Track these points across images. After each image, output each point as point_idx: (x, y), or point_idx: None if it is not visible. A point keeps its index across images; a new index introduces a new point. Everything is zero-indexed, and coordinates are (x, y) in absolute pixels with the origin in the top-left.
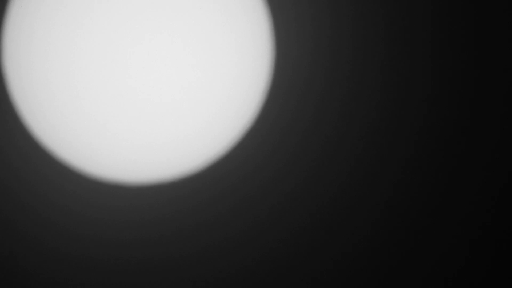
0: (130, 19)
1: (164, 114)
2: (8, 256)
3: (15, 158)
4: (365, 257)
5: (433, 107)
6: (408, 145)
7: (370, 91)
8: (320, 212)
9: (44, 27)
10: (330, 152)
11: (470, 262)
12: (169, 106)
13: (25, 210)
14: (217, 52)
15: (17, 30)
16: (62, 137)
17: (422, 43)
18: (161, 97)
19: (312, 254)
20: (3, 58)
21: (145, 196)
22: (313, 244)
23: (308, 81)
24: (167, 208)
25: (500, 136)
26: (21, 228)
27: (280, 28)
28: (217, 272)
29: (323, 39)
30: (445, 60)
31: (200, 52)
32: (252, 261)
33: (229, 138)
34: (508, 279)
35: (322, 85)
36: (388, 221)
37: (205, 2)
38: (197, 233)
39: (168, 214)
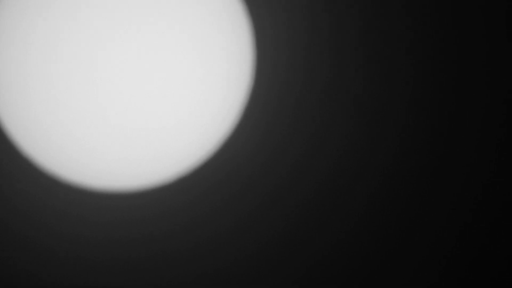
0: (108, 24)
1: (145, 119)
2: None
3: None
4: (350, 254)
5: (414, 105)
6: (391, 143)
7: (349, 91)
8: (304, 209)
9: (24, 32)
10: (312, 151)
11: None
12: (150, 110)
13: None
14: (197, 55)
15: None
16: (44, 146)
17: (400, 44)
18: (141, 102)
19: (297, 252)
20: None
21: (128, 203)
22: (296, 242)
23: (288, 83)
24: (152, 213)
25: (485, 133)
26: None
27: (261, 30)
28: (205, 270)
29: (304, 40)
30: (424, 58)
31: (180, 55)
32: (238, 260)
33: (211, 141)
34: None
35: (303, 85)
36: (372, 220)
37: (185, 4)
38: (183, 234)
39: (152, 219)
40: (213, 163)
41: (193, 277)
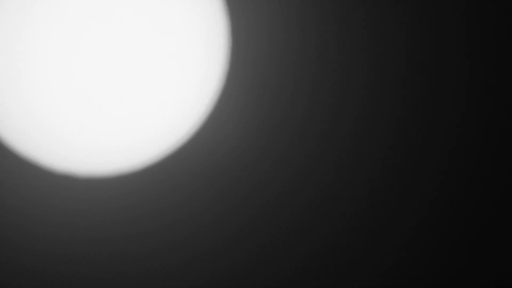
0: (83, 14)
1: (118, 108)
2: None
3: None
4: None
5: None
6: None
7: (326, 83)
8: (278, 196)
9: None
10: (288, 140)
11: None
12: (123, 100)
13: None
14: (171, 46)
15: None
16: (20, 132)
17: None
18: (116, 91)
19: (267, 233)
20: None
21: (103, 188)
22: (272, 228)
23: (264, 73)
24: (119, 200)
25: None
26: None
27: (237, 19)
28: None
29: (279, 37)
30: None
31: (156, 45)
32: (211, 247)
33: (181, 133)
34: None
35: (279, 76)
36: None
37: None
38: (151, 227)
39: (119, 206)
40: (186, 150)
41: (173, 267)
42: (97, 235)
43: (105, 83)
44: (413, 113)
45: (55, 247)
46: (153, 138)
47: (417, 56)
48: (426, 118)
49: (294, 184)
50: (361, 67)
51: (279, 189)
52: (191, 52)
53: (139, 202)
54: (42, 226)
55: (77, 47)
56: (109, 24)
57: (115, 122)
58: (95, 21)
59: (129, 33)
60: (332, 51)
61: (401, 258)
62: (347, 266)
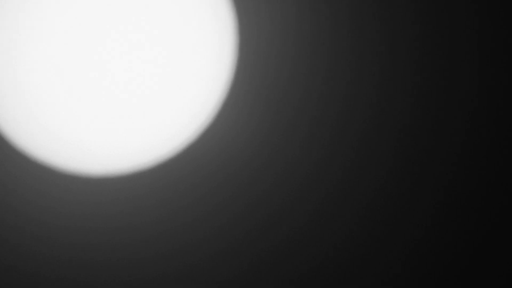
0: (92, 12)
1: (126, 108)
2: None
3: None
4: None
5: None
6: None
7: (333, 82)
8: (284, 198)
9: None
10: (295, 142)
11: None
12: (129, 101)
13: None
14: (179, 45)
15: None
16: (26, 129)
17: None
18: (123, 91)
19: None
20: None
21: (105, 189)
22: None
23: (271, 78)
24: (126, 200)
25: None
26: None
27: (244, 21)
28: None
29: (287, 37)
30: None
31: (163, 44)
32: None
33: (188, 133)
34: None
35: (285, 82)
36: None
37: None
38: (154, 227)
39: (125, 207)
40: (193, 151)
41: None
42: (101, 238)
43: (112, 84)
44: (423, 118)
45: (60, 250)
46: (160, 138)
47: (427, 59)
48: (438, 122)
49: (303, 187)
50: (373, 67)
51: (287, 192)
52: (199, 52)
53: (145, 204)
54: (52, 229)
55: (87, 46)
56: (117, 24)
57: (122, 123)
58: (104, 21)
59: (137, 33)
60: (343, 52)
61: (408, 259)
62: (356, 270)
